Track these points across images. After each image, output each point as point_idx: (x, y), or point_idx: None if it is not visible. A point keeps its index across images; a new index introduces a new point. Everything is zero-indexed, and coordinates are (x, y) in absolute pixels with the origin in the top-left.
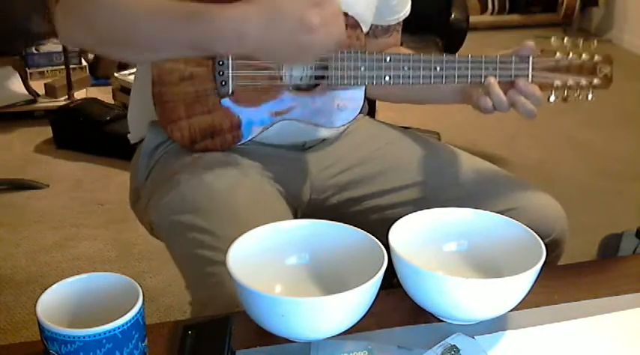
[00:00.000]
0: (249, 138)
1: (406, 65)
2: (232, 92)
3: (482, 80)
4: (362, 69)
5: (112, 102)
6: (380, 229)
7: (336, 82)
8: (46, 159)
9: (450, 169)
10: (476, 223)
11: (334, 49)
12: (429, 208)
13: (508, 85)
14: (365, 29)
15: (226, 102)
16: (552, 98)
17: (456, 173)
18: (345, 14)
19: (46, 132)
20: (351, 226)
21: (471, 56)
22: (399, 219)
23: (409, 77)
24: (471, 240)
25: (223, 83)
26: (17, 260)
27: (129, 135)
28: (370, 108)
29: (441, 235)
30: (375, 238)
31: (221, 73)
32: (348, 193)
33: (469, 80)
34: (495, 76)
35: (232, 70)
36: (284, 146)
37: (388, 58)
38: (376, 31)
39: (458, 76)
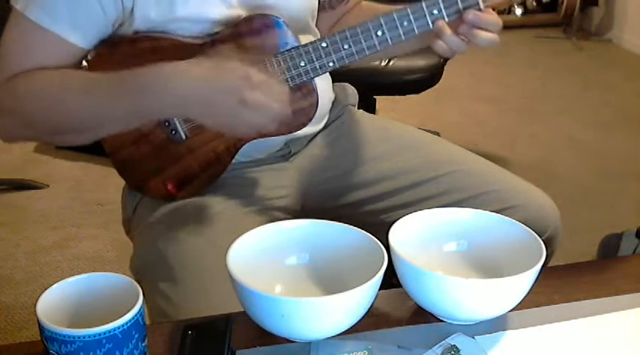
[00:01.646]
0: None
1: (345, 43)
2: (186, 136)
3: (431, 26)
4: (302, 64)
5: None
6: (380, 230)
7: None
8: (46, 159)
9: (448, 168)
10: (476, 223)
11: (275, 127)
12: (427, 208)
13: (461, 21)
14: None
15: (186, 146)
16: (518, 11)
17: (455, 171)
18: (265, 15)
19: None
20: (351, 226)
21: (409, 5)
22: (398, 219)
23: (353, 54)
24: (471, 240)
25: (174, 132)
26: (17, 260)
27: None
28: (370, 108)
29: (441, 235)
30: (375, 238)
31: (167, 123)
32: (344, 199)
33: (416, 32)
34: (443, 17)
35: None
36: (269, 158)
37: (324, 44)
38: (332, 2)
39: (404, 33)
